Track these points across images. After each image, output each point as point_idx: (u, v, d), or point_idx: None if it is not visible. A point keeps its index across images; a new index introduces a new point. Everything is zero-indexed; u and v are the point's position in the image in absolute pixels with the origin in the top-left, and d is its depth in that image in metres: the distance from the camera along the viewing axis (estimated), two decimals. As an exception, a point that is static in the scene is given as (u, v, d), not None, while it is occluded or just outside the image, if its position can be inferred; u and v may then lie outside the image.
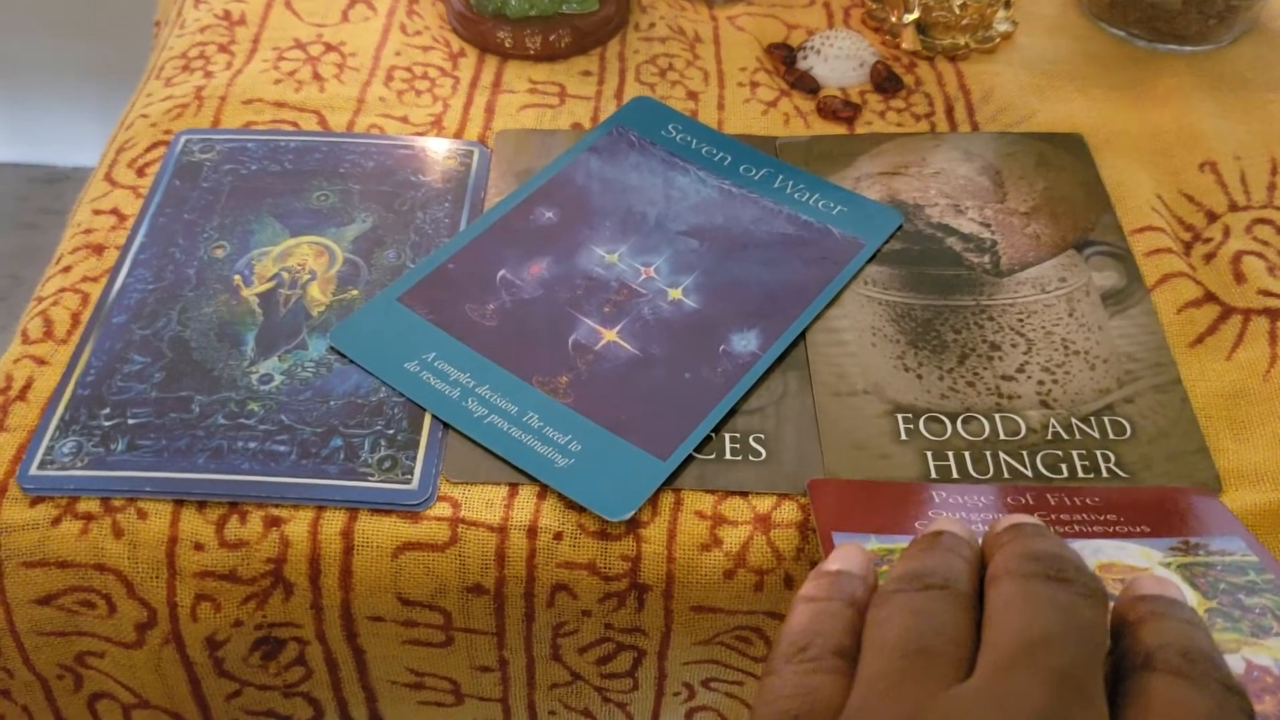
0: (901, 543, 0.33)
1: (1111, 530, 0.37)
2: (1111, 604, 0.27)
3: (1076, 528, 0.37)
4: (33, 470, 0.39)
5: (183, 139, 0.52)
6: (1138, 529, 0.37)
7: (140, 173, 0.51)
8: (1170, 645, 0.25)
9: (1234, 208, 0.50)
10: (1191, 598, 0.32)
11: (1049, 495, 0.38)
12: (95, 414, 0.41)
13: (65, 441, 0.40)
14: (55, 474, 0.39)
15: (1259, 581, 0.34)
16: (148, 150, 0.52)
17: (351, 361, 0.43)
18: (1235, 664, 0.30)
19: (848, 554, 0.30)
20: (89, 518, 0.39)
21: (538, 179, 0.50)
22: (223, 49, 0.57)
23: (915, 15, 0.58)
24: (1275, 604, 0.33)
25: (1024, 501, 0.39)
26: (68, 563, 0.39)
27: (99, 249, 0.47)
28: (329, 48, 0.57)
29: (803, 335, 0.45)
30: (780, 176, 0.51)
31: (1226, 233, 0.49)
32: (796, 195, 0.50)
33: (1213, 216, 0.50)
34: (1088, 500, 0.38)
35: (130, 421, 0.41)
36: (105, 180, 0.51)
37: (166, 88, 0.55)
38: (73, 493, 0.39)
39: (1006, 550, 0.28)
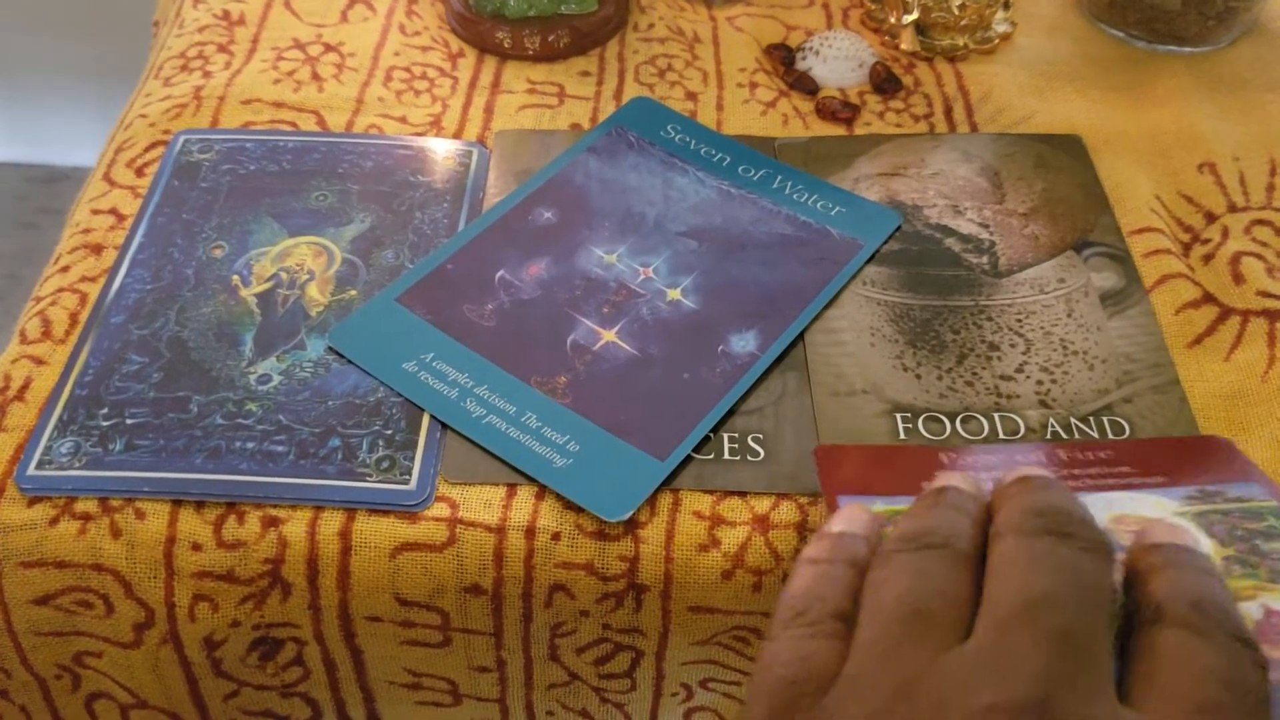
0: (907, 504, 0.32)
1: (1125, 482, 0.36)
2: (1123, 555, 0.27)
3: (1088, 482, 0.36)
4: (30, 470, 0.39)
5: (181, 139, 0.52)
6: (1152, 479, 0.36)
7: (139, 173, 0.51)
8: (1180, 597, 0.25)
9: (1233, 209, 0.50)
10: (1208, 546, 0.31)
11: (1060, 451, 0.38)
12: (93, 414, 0.41)
13: (63, 441, 0.40)
14: (53, 474, 0.39)
15: (1277, 526, 0.33)
16: (146, 150, 0.52)
17: (350, 362, 0.43)
18: (1253, 611, 0.29)
19: (851, 515, 0.29)
20: (87, 518, 0.39)
21: (536, 179, 0.50)
22: (221, 49, 0.57)
23: (914, 16, 0.58)
24: None
25: (1035, 459, 0.38)
26: (65, 563, 0.39)
27: (97, 249, 0.47)
28: (328, 48, 0.57)
29: (801, 336, 0.45)
30: (779, 177, 0.51)
31: (1225, 234, 0.49)
32: (795, 196, 0.50)
33: (1211, 217, 0.50)
34: (1099, 454, 0.37)
35: (128, 421, 0.41)
36: (104, 180, 0.51)
37: (165, 87, 0.55)
38: (70, 493, 0.39)
39: (1011, 505, 0.27)
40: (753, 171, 0.51)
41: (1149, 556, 0.26)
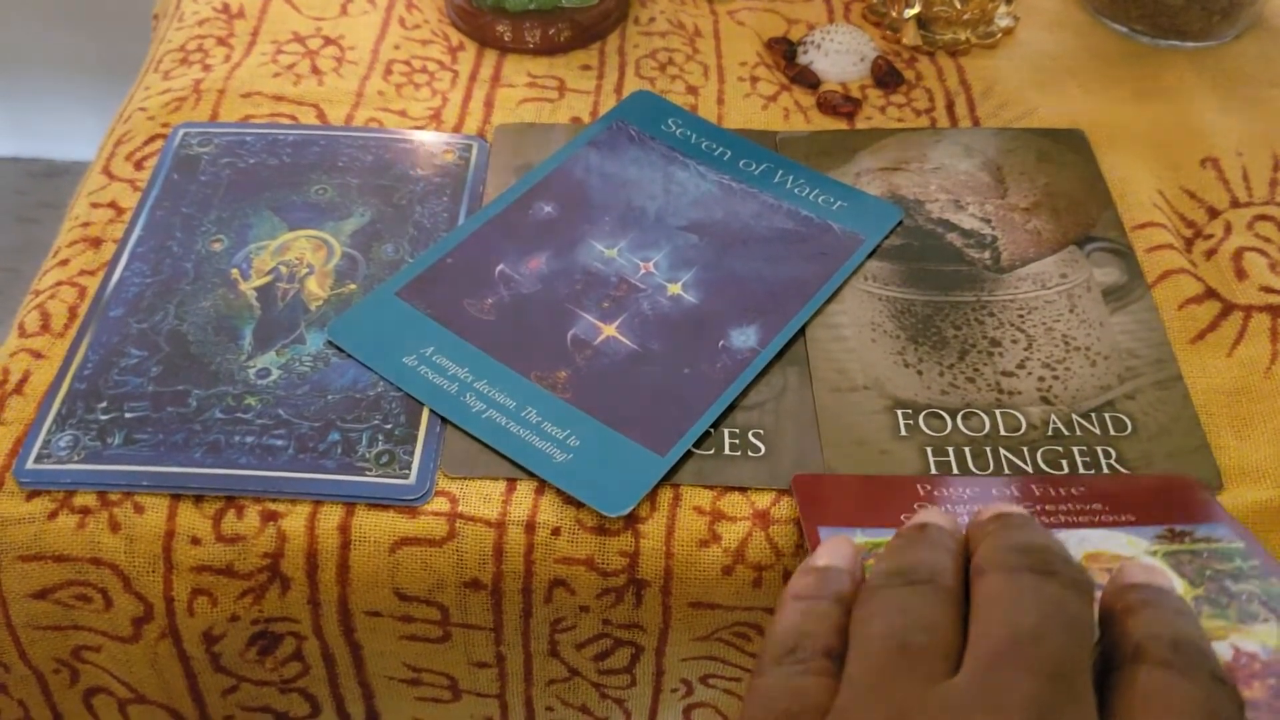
0: (887, 536, 0.33)
1: (1097, 520, 0.36)
2: (1099, 593, 0.27)
3: (1062, 518, 0.37)
4: (29, 464, 0.39)
5: (181, 132, 0.52)
6: (1123, 518, 0.37)
7: (138, 166, 0.50)
8: (1159, 636, 0.25)
9: (1235, 204, 0.50)
10: (1179, 585, 0.32)
11: (1033, 486, 0.38)
12: (92, 408, 0.41)
13: (62, 435, 0.40)
14: (52, 468, 0.39)
15: (1245, 568, 0.33)
16: (146, 143, 0.51)
17: (349, 356, 0.43)
18: (1223, 651, 0.30)
19: (835, 548, 0.30)
20: (85, 512, 0.39)
21: (537, 173, 0.50)
22: (221, 42, 0.57)
23: (916, 10, 0.58)
24: (1262, 590, 0.33)
25: (1009, 493, 0.39)
26: (64, 557, 0.39)
27: (96, 242, 0.47)
28: (328, 41, 0.57)
29: (802, 331, 0.45)
30: (780, 171, 0.51)
31: (1228, 229, 0.49)
32: (796, 190, 0.50)
33: (1214, 213, 0.50)
34: (1072, 490, 0.38)
35: (127, 415, 0.41)
36: (103, 173, 0.50)
37: (164, 81, 0.55)
38: (69, 487, 0.39)
39: (991, 542, 0.27)
40: (754, 166, 0.51)
41: (1126, 596, 0.27)
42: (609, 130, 0.52)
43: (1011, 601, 0.25)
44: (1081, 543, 0.35)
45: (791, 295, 0.46)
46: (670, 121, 0.53)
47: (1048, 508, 0.37)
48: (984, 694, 0.23)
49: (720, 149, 0.52)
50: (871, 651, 0.25)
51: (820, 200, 0.50)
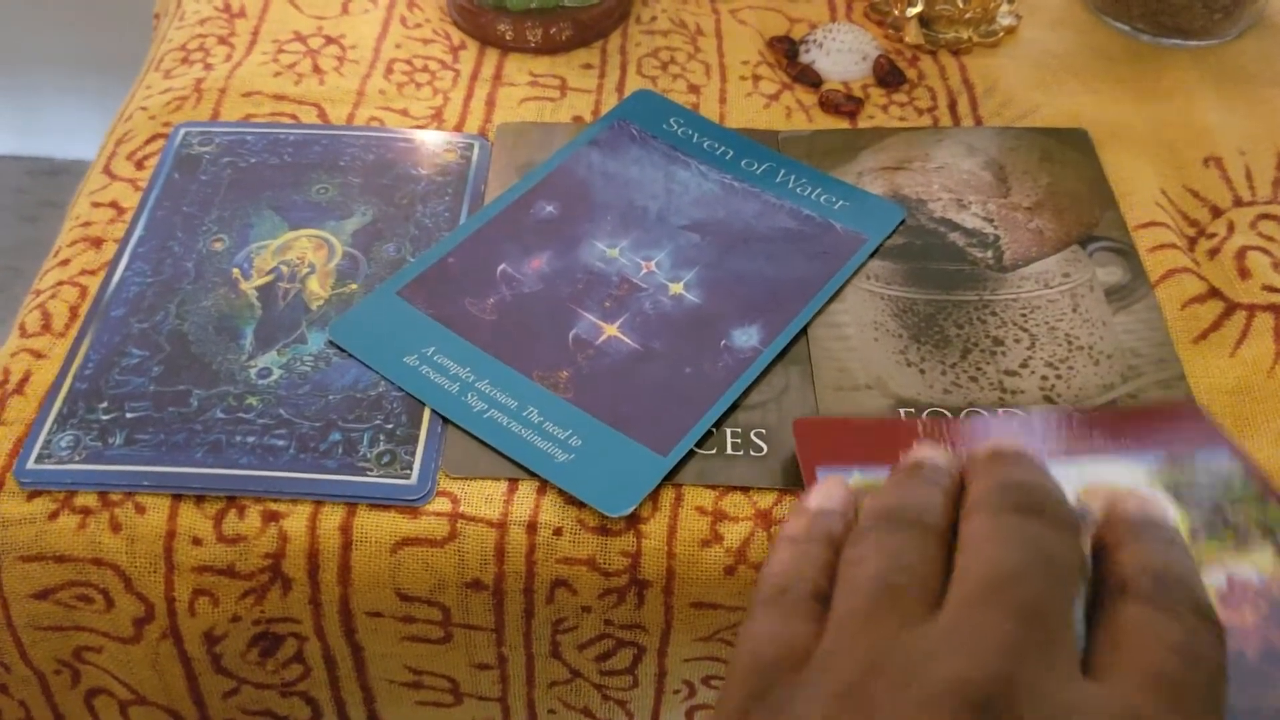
0: (885, 476, 0.32)
1: (1097, 449, 0.36)
2: (1094, 526, 0.27)
3: (1061, 449, 0.36)
4: (30, 464, 0.39)
5: (182, 131, 0.52)
6: (1123, 446, 0.36)
7: (139, 165, 0.50)
8: (1144, 570, 0.25)
9: (1238, 203, 0.50)
10: (1175, 513, 0.32)
11: (1034, 420, 0.38)
12: (93, 408, 0.41)
13: (63, 435, 0.40)
14: (52, 468, 0.39)
15: (1243, 493, 0.33)
16: (147, 143, 0.51)
17: (350, 356, 0.43)
18: (1217, 577, 0.30)
19: (828, 490, 0.30)
20: (86, 512, 0.39)
21: (538, 173, 0.50)
22: (222, 41, 0.57)
23: (918, 9, 0.58)
24: (1259, 514, 0.33)
25: (1011, 430, 0.38)
26: (65, 557, 0.38)
27: (97, 242, 0.47)
28: (329, 40, 0.57)
29: (805, 330, 0.44)
30: (782, 171, 0.51)
31: (1231, 228, 0.49)
32: (799, 190, 0.50)
33: (1217, 212, 0.50)
34: (1073, 419, 0.38)
35: (128, 415, 0.41)
36: (104, 173, 0.50)
37: (165, 80, 0.55)
38: (70, 487, 0.39)
39: (982, 481, 0.27)
40: (756, 165, 0.51)
41: (1117, 529, 0.27)
42: (610, 129, 0.52)
43: (993, 542, 0.25)
44: (1081, 474, 0.34)
45: (794, 295, 0.45)
46: (672, 120, 0.53)
47: (1048, 437, 0.37)
48: (958, 635, 0.23)
49: (722, 148, 0.52)
50: (855, 594, 0.25)
51: (822, 199, 0.50)
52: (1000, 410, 0.41)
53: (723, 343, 0.44)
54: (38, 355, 0.43)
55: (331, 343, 0.43)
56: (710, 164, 0.51)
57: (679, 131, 0.53)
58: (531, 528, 0.39)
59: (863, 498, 0.30)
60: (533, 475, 0.39)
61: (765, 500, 0.39)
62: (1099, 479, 0.34)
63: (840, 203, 0.49)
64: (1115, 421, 0.37)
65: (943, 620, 0.24)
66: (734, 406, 0.42)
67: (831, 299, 0.46)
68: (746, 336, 0.44)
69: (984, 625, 0.23)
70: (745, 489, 0.40)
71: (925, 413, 0.42)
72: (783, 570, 0.27)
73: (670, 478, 0.39)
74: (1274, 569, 0.31)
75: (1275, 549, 0.31)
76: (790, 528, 0.28)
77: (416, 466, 0.39)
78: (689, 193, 0.50)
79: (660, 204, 0.49)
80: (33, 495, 0.39)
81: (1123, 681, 0.23)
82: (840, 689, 0.23)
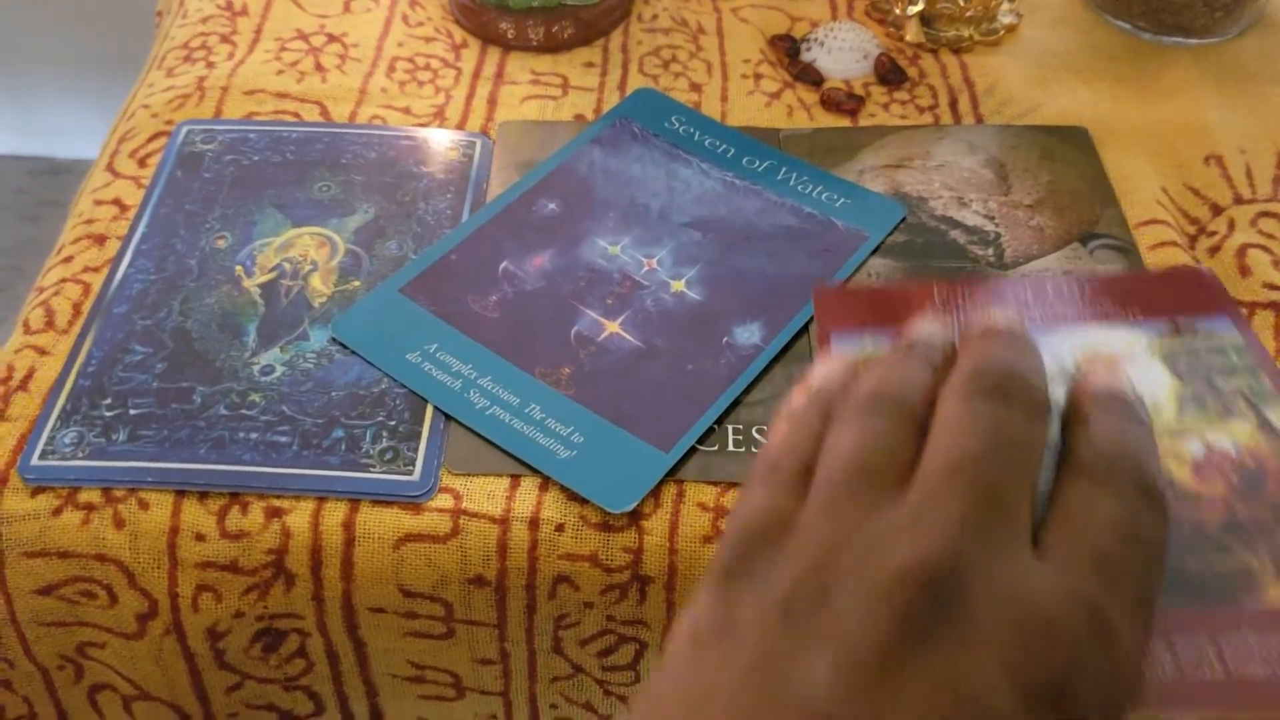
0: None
1: (1103, 315, 0.36)
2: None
3: (1069, 314, 0.36)
4: (34, 460, 0.39)
5: (184, 129, 0.52)
6: (1129, 314, 0.36)
7: (142, 163, 0.51)
8: (1099, 449, 0.27)
9: (1239, 201, 0.50)
10: (1168, 383, 0.33)
11: (1047, 285, 0.38)
12: (97, 404, 0.41)
13: (67, 432, 0.40)
14: (56, 464, 0.39)
15: (1238, 363, 0.34)
16: (149, 140, 0.51)
17: (353, 352, 0.43)
18: (1195, 447, 0.31)
19: (829, 368, 0.31)
20: (90, 508, 0.39)
21: (540, 170, 0.50)
22: (225, 39, 0.57)
23: (919, 7, 0.58)
24: (1249, 385, 0.33)
25: (1022, 295, 0.38)
26: (69, 553, 0.39)
27: (100, 239, 0.47)
28: (331, 38, 0.57)
29: (806, 327, 0.45)
30: (784, 169, 0.51)
31: (1231, 226, 0.49)
32: (800, 188, 0.50)
33: (1218, 210, 0.50)
34: (1083, 286, 0.38)
35: (132, 412, 0.41)
36: (107, 170, 0.50)
37: (168, 78, 0.55)
38: (74, 483, 0.39)
39: (964, 361, 0.28)
40: (757, 163, 0.51)
41: (1083, 405, 0.28)
42: (612, 127, 0.52)
43: (959, 427, 0.26)
44: (1084, 340, 0.35)
45: (795, 292, 0.46)
46: (674, 119, 0.53)
47: (1056, 304, 0.37)
48: (918, 515, 0.24)
49: (724, 146, 0.52)
50: (830, 473, 0.26)
51: (823, 197, 0.50)
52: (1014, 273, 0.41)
53: (724, 340, 0.44)
54: (41, 352, 0.43)
55: (334, 340, 0.43)
56: (712, 162, 0.51)
57: (680, 129, 0.53)
58: (534, 524, 0.39)
59: (862, 373, 0.31)
60: (535, 472, 0.40)
61: (767, 496, 0.39)
62: (1099, 346, 0.34)
63: (841, 200, 0.49)
64: (1125, 289, 0.37)
65: (905, 503, 0.25)
66: (735, 403, 0.42)
67: (833, 296, 0.46)
68: (748, 334, 0.44)
69: (940, 507, 0.24)
70: (747, 485, 0.40)
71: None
72: (777, 446, 0.28)
73: (672, 474, 0.40)
74: (1250, 440, 0.32)
75: (1256, 421, 0.32)
76: (791, 404, 0.30)
77: (419, 463, 0.40)
78: (691, 190, 0.50)
79: (662, 202, 0.49)
80: (37, 491, 0.39)
81: (1065, 557, 0.24)
82: (807, 564, 0.24)
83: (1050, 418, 0.28)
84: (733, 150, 0.52)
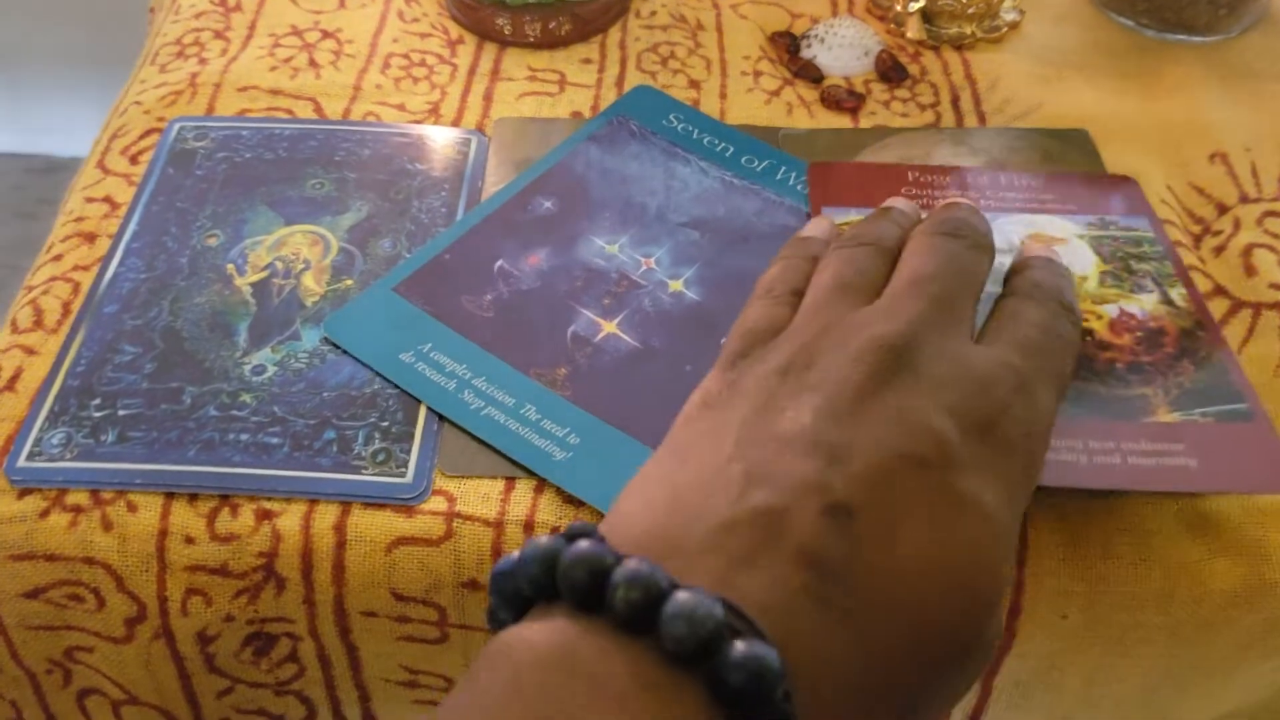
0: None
1: (1045, 207, 0.47)
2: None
3: (1018, 204, 0.47)
4: (21, 462, 0.39)
5: (176, 126, 0.51)
6: (1067, 207, 0.47)
7: (133, 160, 0.50)
8: (1029, 279, 0.35)
9: (1245, 200, 0.50)
10: (1093, 261, 0.44)
11: (1001, 176, 0.48)
12: (85, 405, 0.40)
13: (54, 432, 0.39)
14: (44, 465, 0.39)
15: (1149, 251, 0.44)
16: (141, 137, 0.51)
17: (345, 352, 0.42)
18: (1111, 310, 0.42)
19: (818, 224, 0.40)
20: (78, 510, 0.38)
21: (536, 168, 0.50)
22: (218, 35, 0.56)
23: (921, 4, 0.58)
24: (1156, 269, 0.44)
25: (981, 181, 0.48)
26: (56, 556, 0.38)
27: (91, 237, 0.47)
28: (325, 34, 0.56)
29: None
30: (783, 168, 0.50)
31: (1237, 225, 0.48)
32: (799, 187, 0.49)
33: (1223, 209, 0.49)
34: (1031, 182, 0.48)
35: (120, 413, 0.40)
36: (98, 168, 0.50)
37: (161, 74, 0.54)
38: (61, 485, 0.38)
39: (928, 218, 0.37)
40: (756, 162, 0.50)
41: (1023, 260, 0.37)
42: (609, 125, 0.52)
43: (921, 252, 0.34)
44: (1029, 224, 0.46)
45: None
46: (672, 116, 0.53)
47: (1007, 195, 0.47)
48: (885, 311, 0.32)
49: (722, 144, 0.51)
50: (817, 289, 0.34)
51: None
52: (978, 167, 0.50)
53: (723, 340, 0.43)
54: (29, 351, 0.42)
55: (326, 340, 0.43)
56: (710, 160, 0.51)
57: (679, 127, 0.52)
58: (529, 527, 0.38)
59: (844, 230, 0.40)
60: (530, 474, 0.39)
61: (765, 499, 0.39)
62: (1041, 229, 0.45)
63: None
64: (1068, 187, 0.48)
65: (875, 304, 0.33)
66: (734, 404, 0.41)
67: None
68: (746, 334, 0.43)
69: (903, 306, 0.32)
70: (745, 488, 0.39)
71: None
72: (772, 277, 0.37)
73: (669, 476, 0.39)
74: (1153, 309, 0.42)
75: (1160, 296, 0.43)
76: (783, 250, 0.39)
77: (412, 465, 0.39)
78: (689, 189, 0.49)
79: (659, 200, 0.49)
80: (23, 493, 0.38)
81: (997, 344, 0.32)
82: (798, 346, 0.31)
83: (994, 257, 0.36)
84: (731, 149, 0.51)
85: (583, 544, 0.25)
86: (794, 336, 0.32)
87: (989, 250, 0.36)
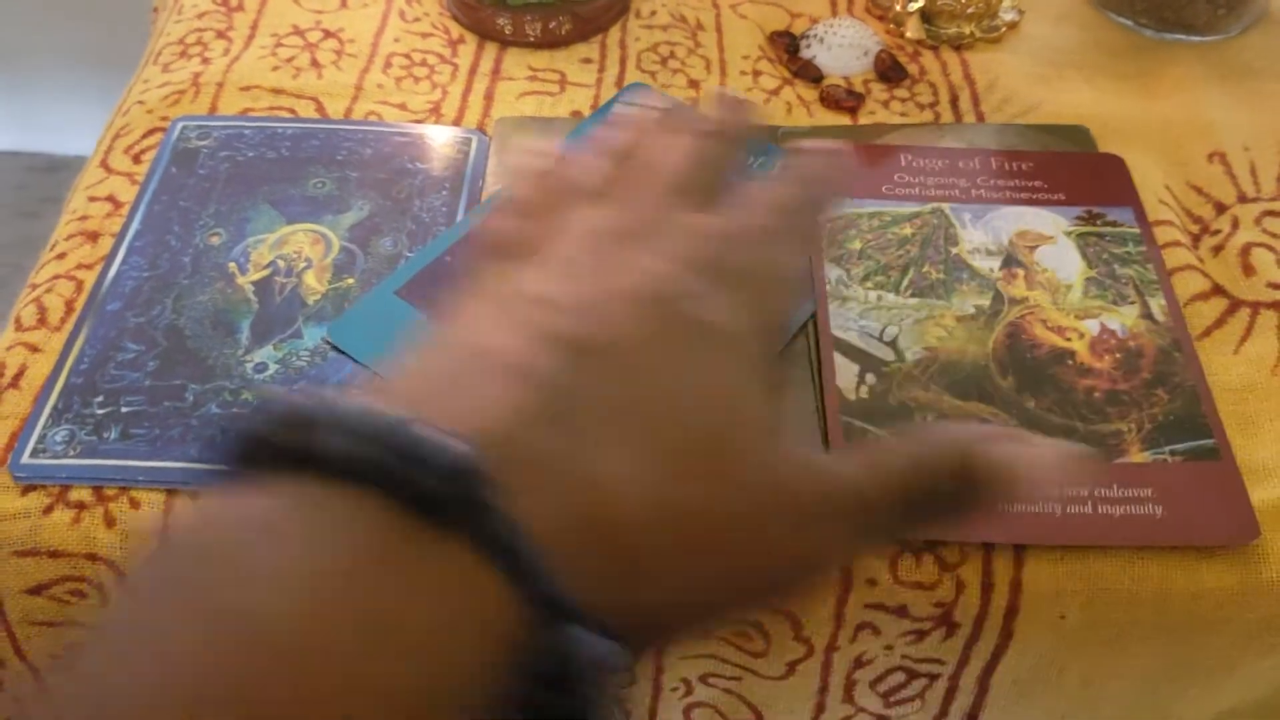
0: (873, 205, 0.48)
1: (1035, 198, 0.47)
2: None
3: (1008, 194, 0.47)
4: (25, 458, 0.39)
5: (179, 125, 0.51)
6: (1055, 197, 0.47)
7: (136, 159, 0.50)
8: (791, 170, 0.34)
9: (1243, 199, 0.50)
10: (1079, 266, 0.45)
11: (992, 159, 0.49)
12: (88, 402, 0.40)
13: (58, 430, 0.40)
14: (47, 462, 0.39)
15: (1134, 253, 0.45)
16: (144, 137, 0.51)
17: (349, 357, 0.42)
18: (1092, 326, 0.43)
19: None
20: (81, 507, 0.38)
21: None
22: (220, 35, 0.56)
23: (920, 4, 0.58)
24: (1140, 275, 0.44)
25: (971, 165, 0.49)
26: (59, 552, 0.38)
27: (94, 236, 0.47)
28: (327, 34, 0.57)
29: (806, 324, 0.44)
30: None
31: (1235, 224, 0.49)
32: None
33: (1221, 208, 0.50)
34: (1022, 165, 0.49)
35: (123, 410, 0.40)
36: (101, 167, 0.50)
37: (164, 74, 0.55)
38: (65, 481, 0.39)
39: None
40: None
41: (794, 160, 0.35)
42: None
43: (666, 148, 0.33)
44: (1018, 218, 0.47)
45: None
46: None
47: (999, 181, 0.48)
48: (621, 203, 0.31)
49: None
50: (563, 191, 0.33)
51: None
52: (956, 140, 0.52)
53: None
54: (33, 349, 0.43)
55: (331, 344, 0.43)
56: None
57: None
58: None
59: (850, 227, 0.46)
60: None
61: (764, 497, 0.39)
62: (1029, 225, 0.46)
63: None
64: (1058, 170, 0.49)
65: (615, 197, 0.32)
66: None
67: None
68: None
69: (639, 195, 0.31)
70: (744, 486, 0.39)
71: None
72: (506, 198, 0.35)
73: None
74: (1133, 324, 0.43)
75: (1140, 309, 0.43)
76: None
77: (413, 462, 0.39)
78: None
79: None
80: (27, 490, 0.39)
81: (737, 209, 0.31)
82: (544, 249, 0.29)
83: (741, 146, 0.35)
84: None
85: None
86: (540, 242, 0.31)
87: (730, 139, 0.35)
